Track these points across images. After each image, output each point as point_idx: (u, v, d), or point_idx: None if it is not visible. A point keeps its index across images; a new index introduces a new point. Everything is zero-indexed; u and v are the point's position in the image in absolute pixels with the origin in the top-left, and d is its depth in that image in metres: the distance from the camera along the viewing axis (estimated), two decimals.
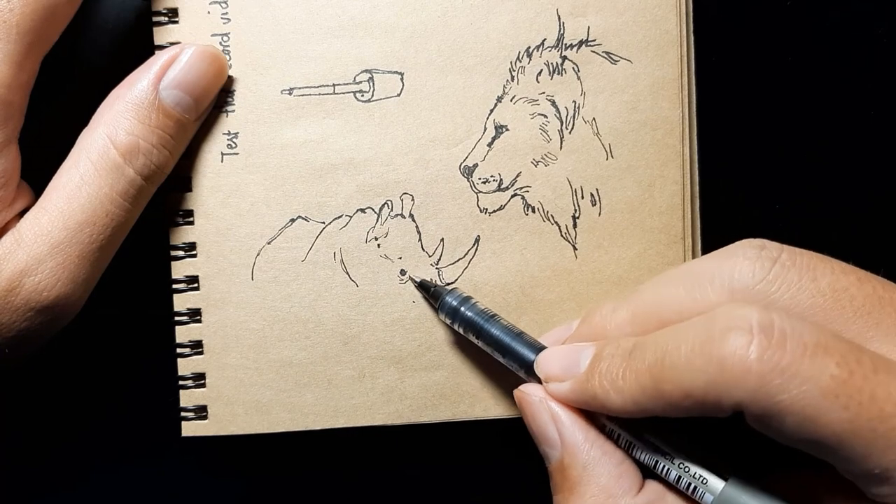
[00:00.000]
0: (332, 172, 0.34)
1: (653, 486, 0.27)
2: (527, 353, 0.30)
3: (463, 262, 0.34)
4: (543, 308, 0.34)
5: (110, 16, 0.36)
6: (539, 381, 0.29)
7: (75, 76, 0.35)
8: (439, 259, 0.34)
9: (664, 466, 0.27)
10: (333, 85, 0.33)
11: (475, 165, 0.34)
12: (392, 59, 0.33)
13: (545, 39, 0.33)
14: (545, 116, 0.33)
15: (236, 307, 0.34)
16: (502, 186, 0.34)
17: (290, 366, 0.34)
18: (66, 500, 0.37)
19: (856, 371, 0.22)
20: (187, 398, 0.34)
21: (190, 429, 0.34)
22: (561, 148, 0.34)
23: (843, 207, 0.37)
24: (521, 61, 0.33)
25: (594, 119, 0.33)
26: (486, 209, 0.34)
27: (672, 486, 0.27)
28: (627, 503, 0.27)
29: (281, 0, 0.33)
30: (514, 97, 0.33)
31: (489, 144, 0.34)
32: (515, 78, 0.33)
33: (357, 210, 0.34)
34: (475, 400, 0.34)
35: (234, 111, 0.33)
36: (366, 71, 0.33)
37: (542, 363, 0.29)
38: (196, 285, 0.34)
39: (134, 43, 0.35)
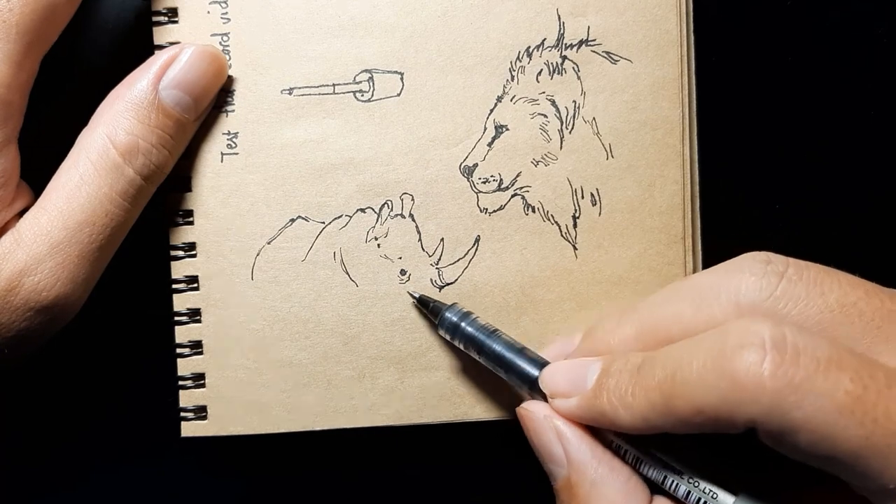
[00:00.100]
0: (332, 172, 0.34)
1: (661, 503, 0.27)
2: (530, 368, 0.30)
3: (463, 262, 0.34)
4: (543, 308, 0.34)
5: (110, 16, 0.36)
6: (542, 397, 0.29)
7: (75, 76, 0.35)
8: (439, 259, 0.34)
9: (673, 482, 0.26)
10: (333, 85, 0.33)
11: (475, 165, 0.34)
12: (392, 58, 0.33)
13: (545, 39, 0.33)
14: (545, 116, 0.33)
15: (236, 307, 0.34)
16: (502, 186, 0.34)
17: (290, 366, 0.34)
18: (66, 500, 0.37)
19: (870, 386, 0.22)
20: (187, 398, 0.34)
21: (190, 429, 0.34)
22: (561, 148, 0.34)
23: (843, 207, 0.37)
24: (521, 61, 0.33)
25: (594, 119, 0.33)
26: (486, 209, 0.34)
27: (681, 503, 0.26)
28: None
29: (281, 0, 0.33)
30: (514, 97, 0.33)
31: (489, 144, 0.34)
32: (515, 78, 0.33)
33: (357, 210, 0.34)
34: (475, 401, 0.34)
35: (233, 111, 0.33)
36: (366, 71, 0.33)
37: (548, 379, 0.29)
38: (196, 285, 0.34)
39: (134, 43, 0.35)
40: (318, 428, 0.34)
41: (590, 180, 0.34)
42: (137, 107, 0.30)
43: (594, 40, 0.33)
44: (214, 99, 0.33)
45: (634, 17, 0.33)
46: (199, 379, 0.34)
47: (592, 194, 0.34)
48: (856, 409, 0.21)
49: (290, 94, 0.33)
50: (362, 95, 0.33)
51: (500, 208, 0.34)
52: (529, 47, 0.33)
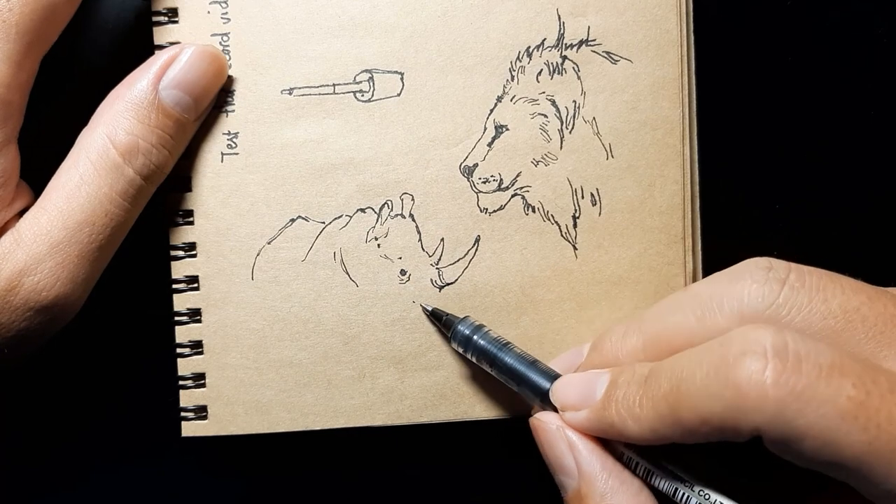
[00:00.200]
0: (332, 172, 0.34)
1: None
2: (542, 381, 0.30)
3: (463, 262, 0.34)
4: (543, 308, 0.34)
5: (110, 16, 0.36)
6: (553, 409, 0.29)
7: (75, 76, 0.35)
8: (439, 259, 0.34)
9: (684, 494, 0.26)
10: (333, 85, 0.33)
11: (475, 165, 0.34)
12: (392, 58, 0.33)
13: (545, 39, 0.33)
14: (545, 116, 0.33)
15: (236, 307, 0.34)
16: (502, 186, 0.34)
17: (290, 366, 0.34)
18: (66, 500, 0.37)
19: (872, 391, 0.22)
20: (187, 398, 0.34)
21: (190, 429, 0.34)
22: (561, 148, 0.34)
23: (843, 207, 0.37)
24: (521, 61, 0.33)
25: (594, 119, 0.33)
26: (487, 209, 0.34)
27: None
28: None
29: (281, 0, 0.33)
30: (514, 97, 0.33)
31: (489, 144, 0.34)
32: (515, 78, 0.33)
33: (357, 210, 0.34)
34: (475, 400, 0.34)
35: (234, 111, 0.33)
36: (366, 71, 0.33)
37: (558, 392, 0.29)
38: (196, 285, 0.34)
39: (134, 43, 0.35)
40: (318, 428, 0.34)
41: (590, 180, 0.34)
42: (137, 107, 0.30)
43: (594, 40, 0.33)
44: (214, 99, 0.33)
45: (634, 17, 0.33)
46: (199, 379, 0.34)
47: (592, 194, 0.34)
48: (859, 414, 0.21)
49: (290, 94, 0.33)
50: (362, 95, 0.33)
51: (500, 208, 0.34)
52: (529, 47, 0.33)
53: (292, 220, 0.34)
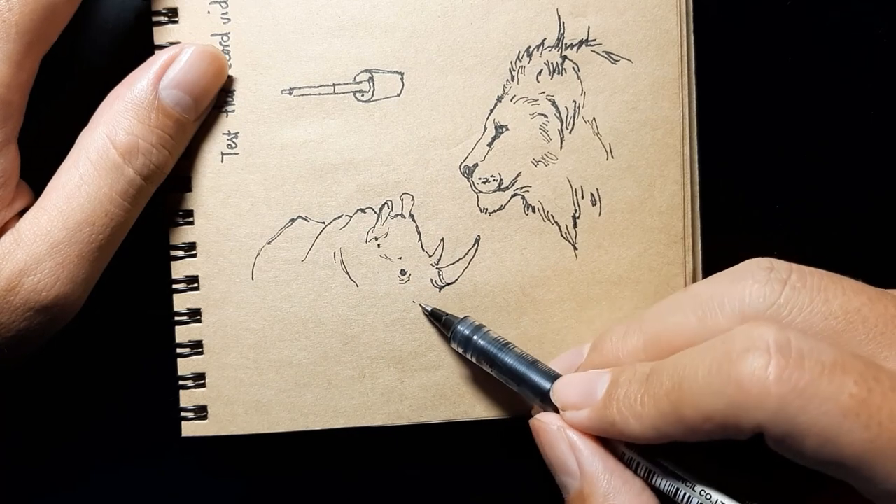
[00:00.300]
0: (332, 172, 0.34)
1: None
2: (542, 381, 0.30)
3: (463, 262, 0.34)
4: (543, 308, 0.34)
5: (110, 16, 0.36)
6: (554, 409, 0.29)
7: (75, 76, 0.35)
8: (439, 259, 0.34)
9: (685, 494, 0.26)
10: (333, 85, 0.33)
11: (475, 165, 0.34)
12: (392, 58, 0.33)
13: (545, 39, 0.33)
14: (545, 116, 0.33)
15: (236, 307, 0.34)
16: (502, 186, 0.34)
17: (290, 366, 0.34)
18: (66, 500, 0.37)
19: (874, 389, 0.22)
20: (187, 398, 0.34)
21: (190, 429, 0.34)
22: (561, 148, 0.34)
23: (843, 207, 0.37)
24: (521, 61, 0.33)
25: (594, 119, 0.33)
26: (487, 209, 0.34)
27: None
28: None
29: (281, 0, 0.33)
30: (514, 97, 0.33)
31: (489, 144, 0.34)
32: (515, 78, 0.33)
33: (357, 210, 0.34)
34: (475, 400, 0.34)
35: (234, 111, 0.33)
36: (366, 71, 0.33)
37: (559, 392, 0.29)
38: (196, 285, 0.34)
39: (134, 43, 0.35)
40: (318, 428, 0.34)
41: (590, 180, 0.34)
42: (137, 107, 0.30)
43: (594, 40, 0.33)
44: (214, 99, 0.33)
45: (634, 17, 0.33)
46: (199, 379, 0.34)
47: (592, 194, 0.34)
48: (860, 412, 0.21)
49: (290, 94, 0.33)
50: (362, 95, 0.33)
51: (500, 208, 0.34)
52: (529, 47, 0.33)
53: (292, 220, 0.34)
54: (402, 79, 0.33)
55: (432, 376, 0.34)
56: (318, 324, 0.34)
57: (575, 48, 0.33)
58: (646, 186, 0.33)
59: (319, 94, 0.33)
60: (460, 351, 0.32)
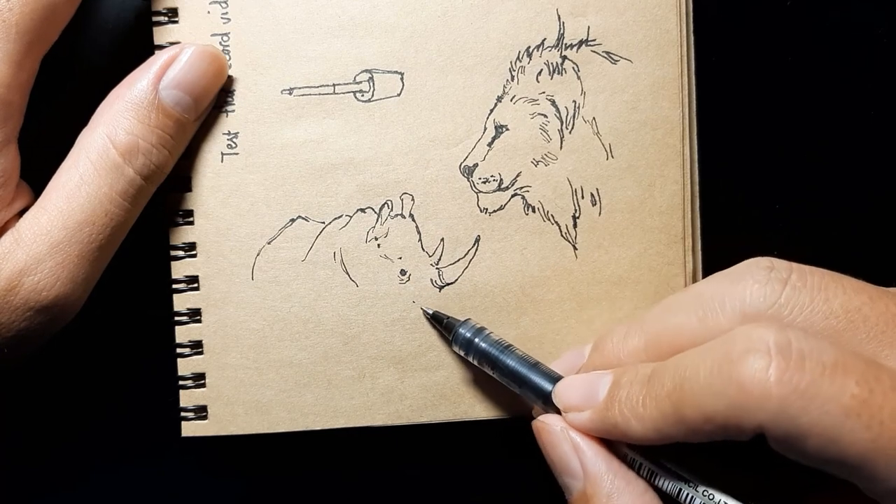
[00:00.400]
0: (332, 172, 0.34)
1: None
2: (544, 383, 0.30)
3: (463, 262, 0.34)
4: (543, 308, 0.34)
5: (110, 16, 0.36)
6: (556, 411, 0.29)
7: (75, 76, 0.35)
8: (439, 259, 0.34)
9: (688, 494, 0.26)
10: (333, 85, 0.33)
11: (475, 165, 0.34)
12: (392, 58, 0.33)
13: (545, 39, 0.33)
14: (545, 116, 0.33)
15: (236, 307, 0.34)
16: (502, 186, 0.34)
17: (290, 366, 0.34)
18: (66, 500, 0.37)
19: (875, 389, 0.22)
20: (187, 398, 0.34)
21: (190, 429, 0.34)
22: (561, 148, 0.34)
23: (843, 207, 0.37)
24: (521, 61, 0.33)
25: (594, 119, 0.33)
26: (487, 209, 0.34)
27: None
28: None
29: (281, 0, 0.33)
30: (514, 97, 0.33)
31: (489, 144, 0.34)
32: (515, 78, 0.33)
33: (357, 210, 0.34)
34: (475, 400, 0.34)
35: (234, 111, 0.33)
36: (366, 71, 0.33)
37: (561, 393, 0.29)
38: (196, 285, 0.34)
39: (134, 43, 0.35)
40: (318, 428, 0.34)
41: (590, 180, 0.34)
42: (137, 107, 0.30)
43: (594, 40, 0.33)
44: (214, 99, 0.33)
45: (634, 17, 0.33)
46: (199, 379, 0.34)
47: (592, 194, 0.34)
48: (862, 412, 0.21)
49: (290, 94, 0.33)
50: (362, 95, 0.33)
51: (500, 208, 0.34)
52: (529, 47, 0.33)
53: (292, 220, 0.34)
54: (402, 79, 0.33)
55: (432, 376, 0.34)
56: (318, 324, 0.34)
57: (575, 48, 0.33)
58: (646, 186, 0.33)
59: (319, 94, 0.33)
60: (462, 354, 0.32)
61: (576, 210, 0.34)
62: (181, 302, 0.34)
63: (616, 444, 0.28)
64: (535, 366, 0.31)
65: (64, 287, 0.30)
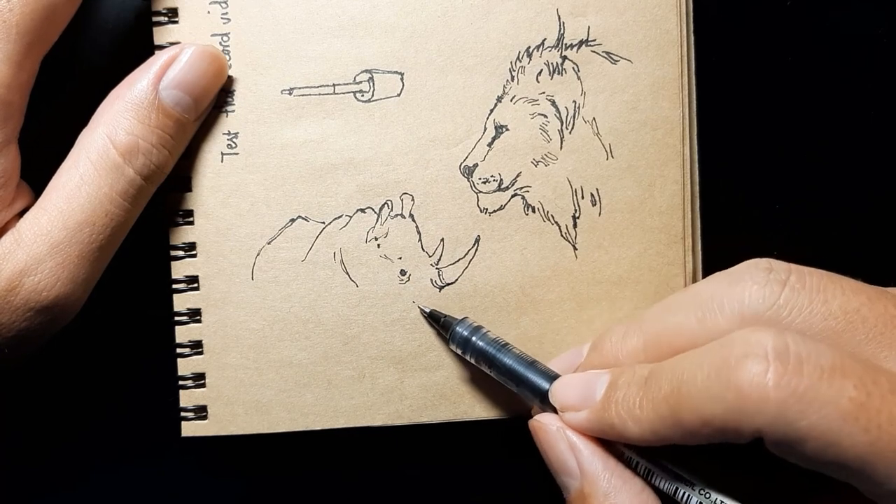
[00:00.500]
0: (332, 172, 0.34)
1: None
2: (541, 382, 0.30)
3: (463, 262, 0.34)
4: (543, 308, 0.34)
5: (110, 16, 0.36)
6: (553, 410, 0.29)
7: (75, 76, 0.35)
8: (439, 259, 0.34)
9: (685, 494, 0.26)
10: (333, 85, 0.33)
11: (475, 165, 0.34)
12: (392, 59, 0.33)
13: (545, 39, 0.33)
14: (545, 116, 0.33)
15: (236, 307, 0.34)
16: (502, 186, 0.34)
17: (290, 366, 0.34)
18: (66, 500, 0.37)
19: (873, 392, 0.22)
20: (187, 398, 0.34)
21: (190, 429, 0.34)
22: (561, 148, 0.34)
23: (843, 207, 0.37)
24: (521, 61, 0.33)
25: (594, 119, 0.33)
26: (487, 209, 0.34)
27: None
28: None
29: (281, 0, 0.33)
30: (514, 97, 0.33)
31: (489, 144, 0.34)
32: (515, 78, 0.33)
33: (357, 210, 0.34)
34: (475, 400, 0.34)
35: (234, 111, 0.33)
36: (366, 71, 0.33)
37: (558, 392, 0.29)
38: (196, 285, 0.34)
39: (134, 43, 0.35)
40: (318, 428, 0.34)
41: (590, 180, 0.34)
42: (137, 107, 0.30)
43: (594, 40, 0.33)
44: (214, 99, 0.33)
45: (634, 17, 0.33)
46: (199, 379, 0.34)
47: (592, 194, 0.34)
48: (860, 415, 0.21)
49: (290, 94, 0.33)
50: (362, 95, 0.33)
51: (500, 208, 0.34)
52: (529, 47, 0.33)
53: (292, 220, 0.34)
54: (402, 79, 0.33)
55: (432, 376, 0.34)
56: (318, 324, 0.34)
57: (575, 48, 0.33)
58: (646, 186, 0.33)
59: (319, 94, 0.33)
60: (459, 352, 0.32)
61: (576, 210, 0.34)
62: (181, 302, 0.34)
63: (613, 443, 0.28)
64: (532, 364, 0.31)
65: (64, 287, 0.30)
